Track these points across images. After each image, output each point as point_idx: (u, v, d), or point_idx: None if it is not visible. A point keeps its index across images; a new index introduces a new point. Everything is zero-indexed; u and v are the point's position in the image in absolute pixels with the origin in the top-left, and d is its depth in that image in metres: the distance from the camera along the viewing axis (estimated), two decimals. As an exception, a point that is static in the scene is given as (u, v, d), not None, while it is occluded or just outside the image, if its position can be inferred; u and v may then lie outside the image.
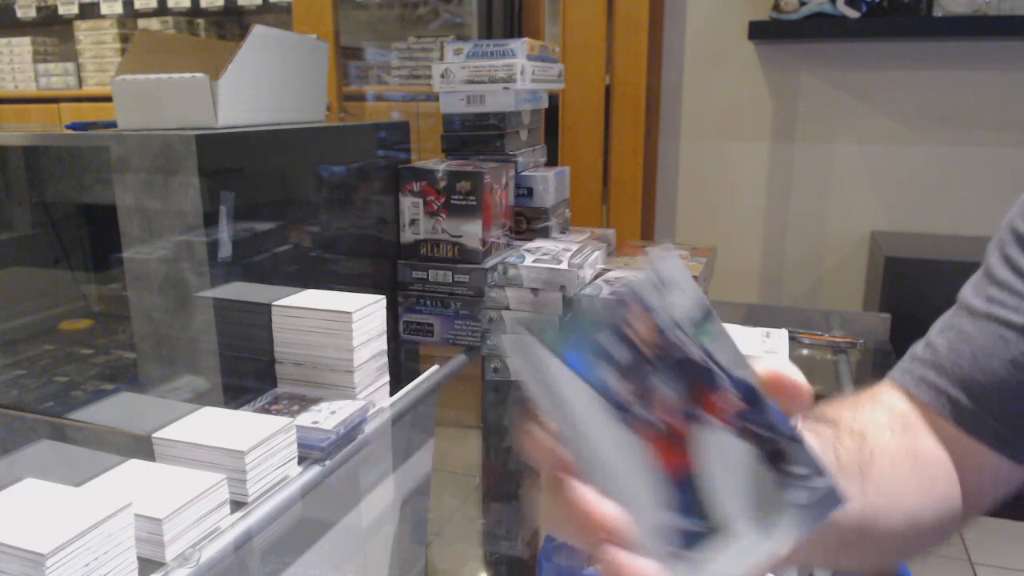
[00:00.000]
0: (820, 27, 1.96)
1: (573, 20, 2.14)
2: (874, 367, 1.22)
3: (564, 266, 1.00)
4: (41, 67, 3.20)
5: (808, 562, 0.59)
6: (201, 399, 0.81)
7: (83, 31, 3.12)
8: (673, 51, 2.23)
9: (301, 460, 0.74)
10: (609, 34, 2.13)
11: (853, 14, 1.92)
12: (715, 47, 2.18)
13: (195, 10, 3.00)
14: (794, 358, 1.08)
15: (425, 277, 1.09)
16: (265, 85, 0.96)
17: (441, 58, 1.19)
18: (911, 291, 1.74)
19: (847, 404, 0.56)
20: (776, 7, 1.98)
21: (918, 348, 0.59)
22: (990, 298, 0.54)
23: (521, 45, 1.15)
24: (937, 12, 1.90)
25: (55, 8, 3.20)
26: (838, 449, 0.49)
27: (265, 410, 0.78)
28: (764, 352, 0.96)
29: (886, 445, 0.53)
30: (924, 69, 2.02)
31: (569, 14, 2.14)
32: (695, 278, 1.12)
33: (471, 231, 1.06)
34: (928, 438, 0.55)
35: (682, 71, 2.23)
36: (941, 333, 0.57)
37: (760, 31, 2.01)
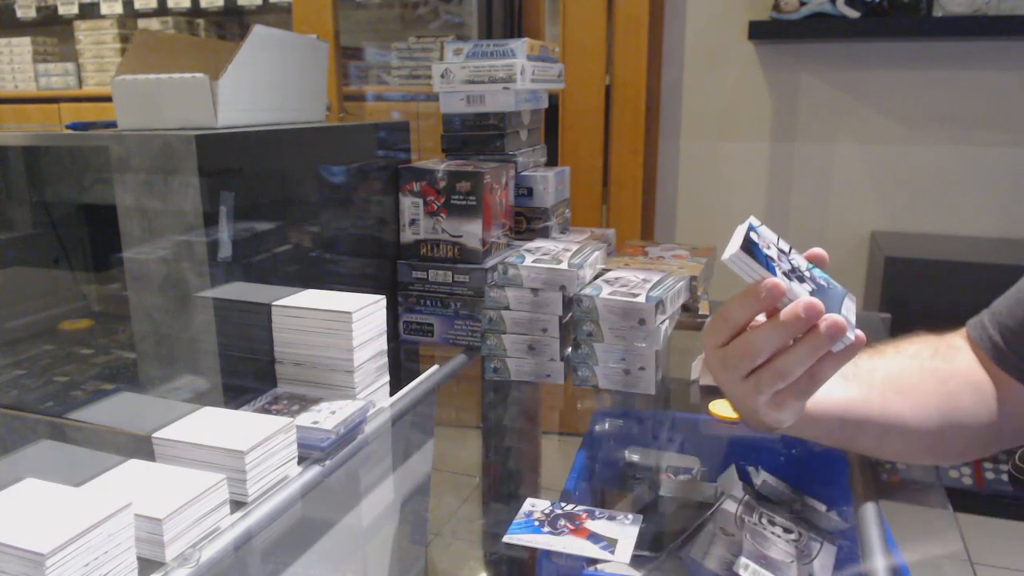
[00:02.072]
0: (820, 27, 1.96)
1: (573, 20, 2.14)
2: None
3: (564, 266, 1.00)
4: (41, 67, 3.20)
5: (822, 439, 0.73)
6: (201, 399, 0.81)
7: (83, 31, 3.12)
8: (673, 51, 2.23)
9: (301, 460, 0.74)
10: (609, 34, 2.13)
11: (853, 14, 1.92)
12: (715, 47, 2.18)
13: (195, 10, 3.00)
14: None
15: (425, 277, 1.09)
16: (265, 85, 0.96)
17: (441, 58, 1.19)
18: (911, 291, 1.74)
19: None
20: (776, 7, 1.98)
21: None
22: None
23: (521, 45, 1.15)
24: (937, 12, 1.90)
25: (55, 8, 3.20)
26: (858, 361, 0.68)
27: (265, 410, 0.78)
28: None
29: (904, 364, 0.72)
30: (924, 69, 2.02)
31: (569, 14, 2.14)
32: (694, 278, 1.12)
33: (471, 231, 1.06)
34: (967, 365, 0.72)
35: (682, 71, 2.23)
36: (1009, 289, 0.73)
37: (760, 31, 2.01)
